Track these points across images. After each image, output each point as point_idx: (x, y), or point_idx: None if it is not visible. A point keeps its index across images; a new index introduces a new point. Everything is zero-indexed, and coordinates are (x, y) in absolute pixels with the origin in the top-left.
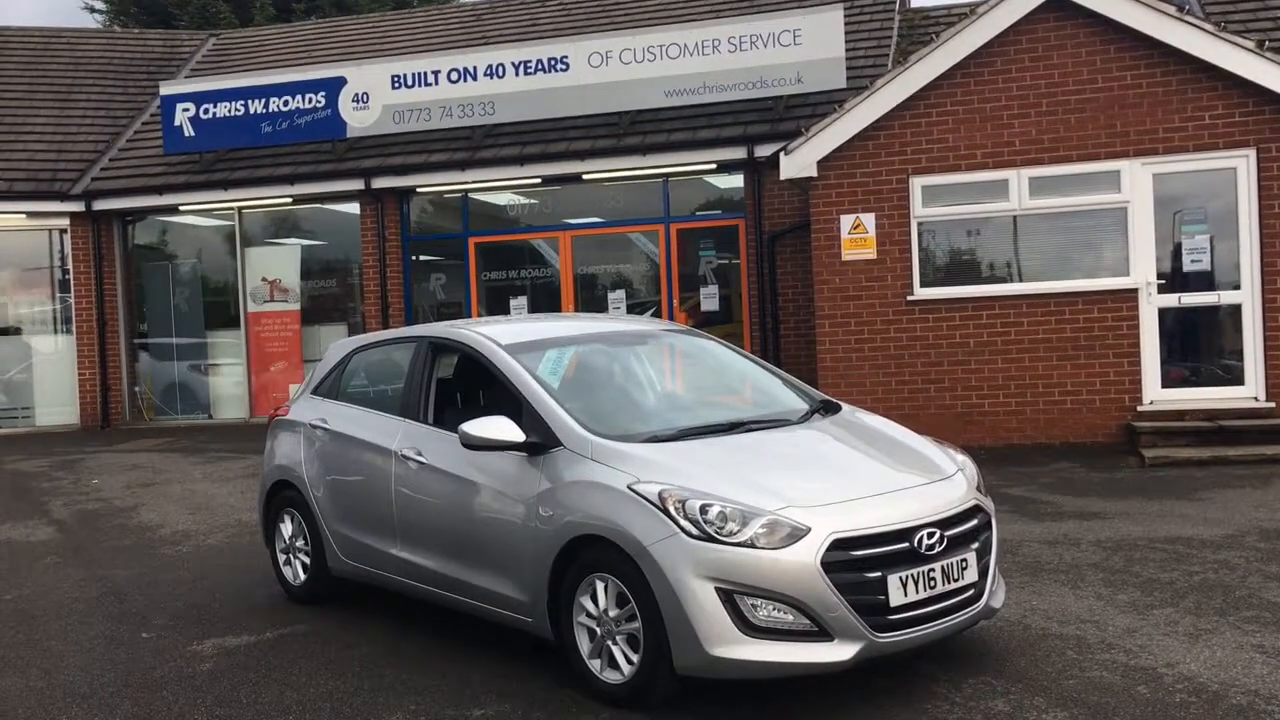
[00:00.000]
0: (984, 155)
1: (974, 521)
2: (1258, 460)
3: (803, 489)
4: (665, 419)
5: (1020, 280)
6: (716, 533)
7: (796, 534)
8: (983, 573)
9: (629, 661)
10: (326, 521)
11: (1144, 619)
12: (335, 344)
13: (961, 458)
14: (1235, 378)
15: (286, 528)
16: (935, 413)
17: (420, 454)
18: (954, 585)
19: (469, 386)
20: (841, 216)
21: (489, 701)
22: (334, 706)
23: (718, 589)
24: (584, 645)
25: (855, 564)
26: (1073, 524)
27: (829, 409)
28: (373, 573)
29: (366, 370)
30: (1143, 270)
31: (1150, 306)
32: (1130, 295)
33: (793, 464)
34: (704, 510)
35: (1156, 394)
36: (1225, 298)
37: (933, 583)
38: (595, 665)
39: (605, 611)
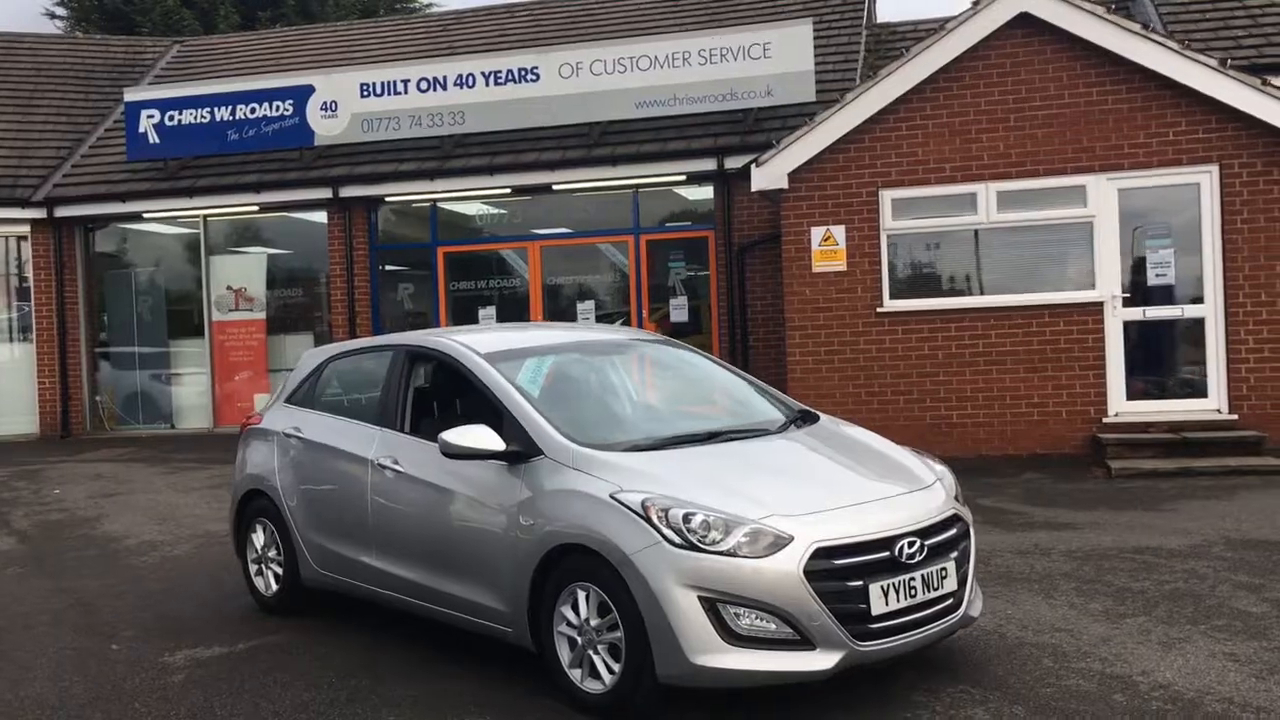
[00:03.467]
0: (953, 169)
1: (953, 531)
2: (1222, 471)
3: (785, 498)
4: (646, 428)
5: (988, 293)
6: (699, 541)
7: (779, 543)
8: (961, 582)
9: (610, 671)
10: (300, 531)
11: (1117, 627)
12: (309, 352)
13: (940, 467)
14: (1199, 390)
15: (259, 537)
16: (905, 423)
17: (397, 463)
18: (934, 594)
19: (446, 395)
20: (812, 228)
21: (468, 713)
22: (310, 719)
23: (700, 598)
24: (565, 655)
25: (837, 573)
26: (1043, 534)
27: (807, 419)
28: (347, 583)
29: (341, 379)
30: (1108, 284)
31: (1115, 320)
32: (1096, 308)
33: (774, 473)
34: (687, 519)
35: (1121, 406)
36: (1189, 311)
37: (913, 592)
38: (576, 675)
39: (586, 621)
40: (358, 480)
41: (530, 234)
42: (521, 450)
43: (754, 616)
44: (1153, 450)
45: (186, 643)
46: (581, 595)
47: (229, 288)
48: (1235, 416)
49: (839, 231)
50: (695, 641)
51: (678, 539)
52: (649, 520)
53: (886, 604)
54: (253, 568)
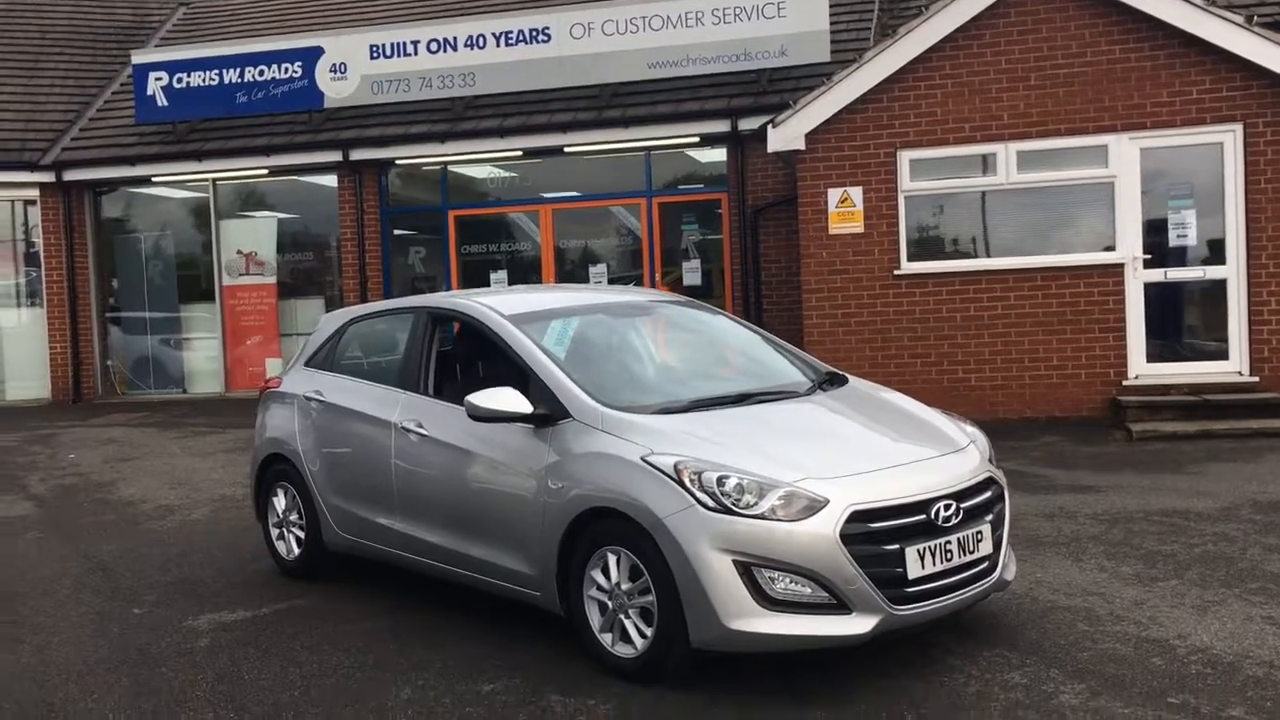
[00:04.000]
0: (972, 129)
1: (988, 494)
2: (1244, 434)
3: (819, 461)
4: (674, 390)
5: (1007, 255)
6: (733, 505)
7: (814, 506)
8: (996, 545)
9: (642, 635)
10: (322, 495)
11: (1150, 591)
12: (329, 315)
13: (972, 429)
14: (1220, 352)
15: (280, 501)
16: (922, 386)
17: (421, 426)
18: (970, 557)
19: (470, 358)
20: (829, 190)
21: (498, 675)
22: (339, 683)
23: (735, 562)
24: (595, 619)
25: (873, 536)
26: (1067, 497)
27: (836, 381)
28: (370, 546)
29: (362, 341)
30: (1129, 245)
31: (1136, 281)
32: (1116, 270)
33: (807, 436)
34: (721, 482)
35: (1142, 368)
36: (1210, 273)
37: (949, 555)
38: (607, 639)
39: (617, 585)
40: (381, 444)
41: (542, 197)
42: (549, 413)
43: (789, 580)
44: (1173, 413)
45: (210, 607)
46: (612, 559)
47: (239, 252)
48: (1257, 379)
49: (856, 193)
50: (730, 606)
51: (711, 502)
52: (682, 483)
53: (923, 568)
54: (274, 532)
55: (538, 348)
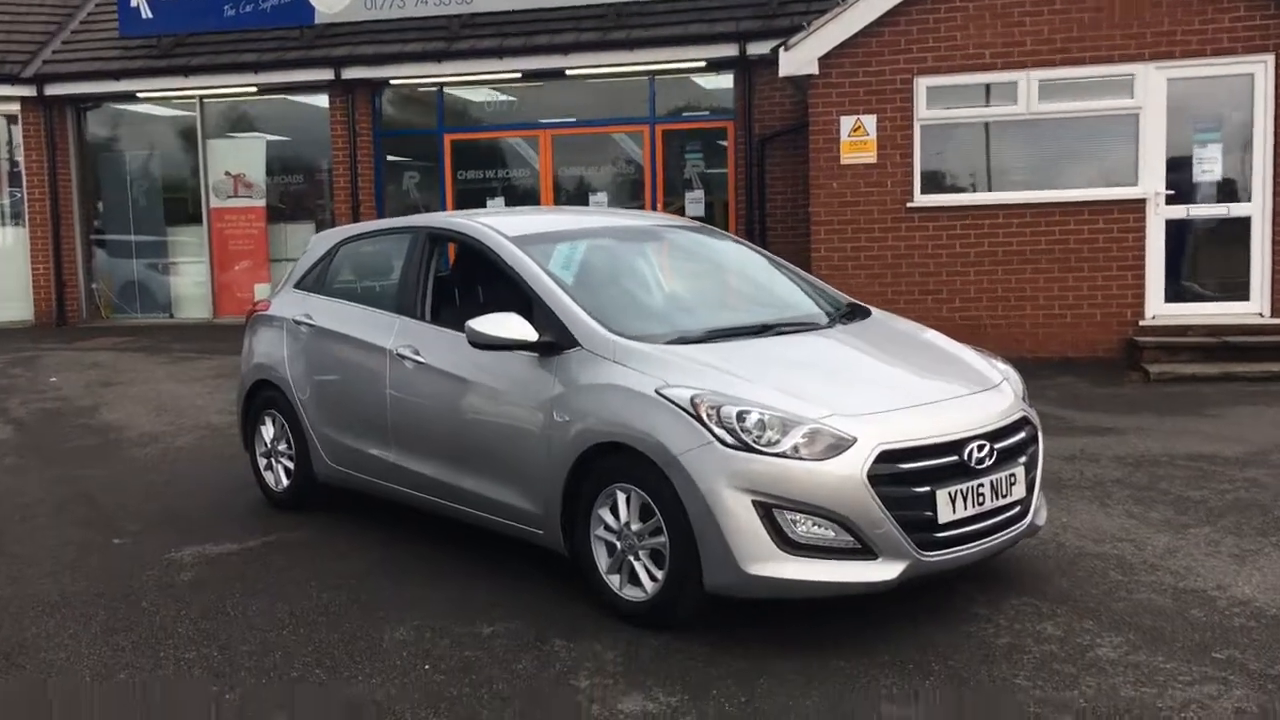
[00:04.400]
0: (993, 55)
1: (1022, 434)
2: (1266, 377)
3: (845, 396)
4: (688, 319)
5: (1025, 189)
6: (754, 442)
7: (841, 444)
8: (1029, 488)
9: (652, 578)
10: (312, 424)
11: (1182, 538)
12: (320, 234)
13: (1004, 366)
14: (1240, 293)
15: (268, 430)
16: (932, 323)
17: (418, 353)
18: (1002, 501)
19: (470, 281)
20: (841, 118)
21: (499, 617)
22: (331, 621)
23: (755, 502)
24: (602, 560)
25: (902, 478)
26: (1087, 439)
27: (858, 313)
28: (363, 479)
29: (355, 263)
30: (1152, 180)
31: (1158, 218)
32: (1138, 206)
33: (831, 370)
34: (741, 417)
35: (1159, 308)
36: (1234, 210)
37: (981, 499)
38: (614, 581)
39: (627, 525)
40: (374, 371)
41: (541, 122)
42: (555, 341)
43: (811, 523)
44: (1192, 354)
45: (194, 538)
46: (621, 497)
47: (227, 173)
48: (1278, 320)
49: (869, 121)
50: (748, 549)
51: (730, 439)
52: (699, 418)
53: (953, 512)
54: (261, 461)
55: (544, 271)
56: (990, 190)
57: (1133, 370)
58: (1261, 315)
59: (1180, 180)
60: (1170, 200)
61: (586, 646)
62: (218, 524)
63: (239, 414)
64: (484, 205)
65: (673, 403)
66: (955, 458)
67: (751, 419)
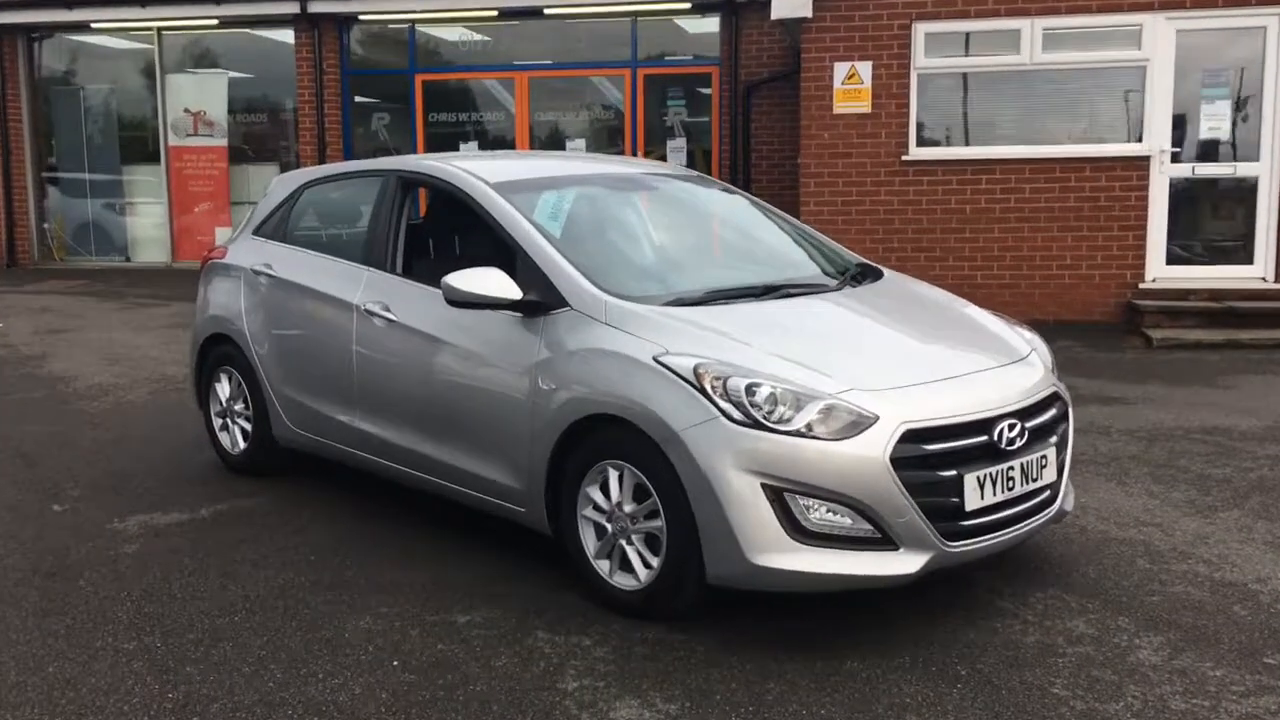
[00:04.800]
0: (996, 1)
1: (1052, 411)
2: (1272, 344)
3: (865, 368)
4: (687, 279)
5: (1024, 143)
6: (764, 418)
7: (861, 422)
8: (1059, 470)
9: (646, 565)
10: (271, 383)
11: (1211, 523)
12: (281, 176)
13: (1030, 335)
14: (1244, 256)
15: (223, 388)
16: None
17: (388, 309)
18: (1032, 486)
19: (446, 232)
20: (835, 64)
21: (476, 604)
22: (289, 606)
23: (764, 485)
24: (590, 544)
25: (927, 460)
26: (1095, 409)
27: (870, 274)
28: (327, 445)
29: (320, 209)
30: (1157, 137)
31: (1162, 176)
32: (1142, 164)
33: (847, 338)
34: (750, 391)
35: (1160, 271)
36: (1241, 170)
37: (1010, 483)
38: (604, 567)
39: (619, 506)
40: (340, 328)
41: (517, 64)
42: (541, 300)
43: (826, 509)
44: (1194, 320)
45: (141, 505)
46: (613, 476)
47: (186, 110)
48: None
49: (864, 69)
50: (756, 538)
51: (738, 414)
52: (703, 390)
53: (981, 498)
54: (216, 421)
55: (529, 222)
56: (989, 144)
57: (1133, 335)
58: (1265, 280)
59: (1185, 137)
60: (1175, 158)
61: (573, 641)
62: (168, 490)
63: (191, 369)
64: (456, 150)
65: (673, 372)
66: (984, 438)
67: (762, 392)
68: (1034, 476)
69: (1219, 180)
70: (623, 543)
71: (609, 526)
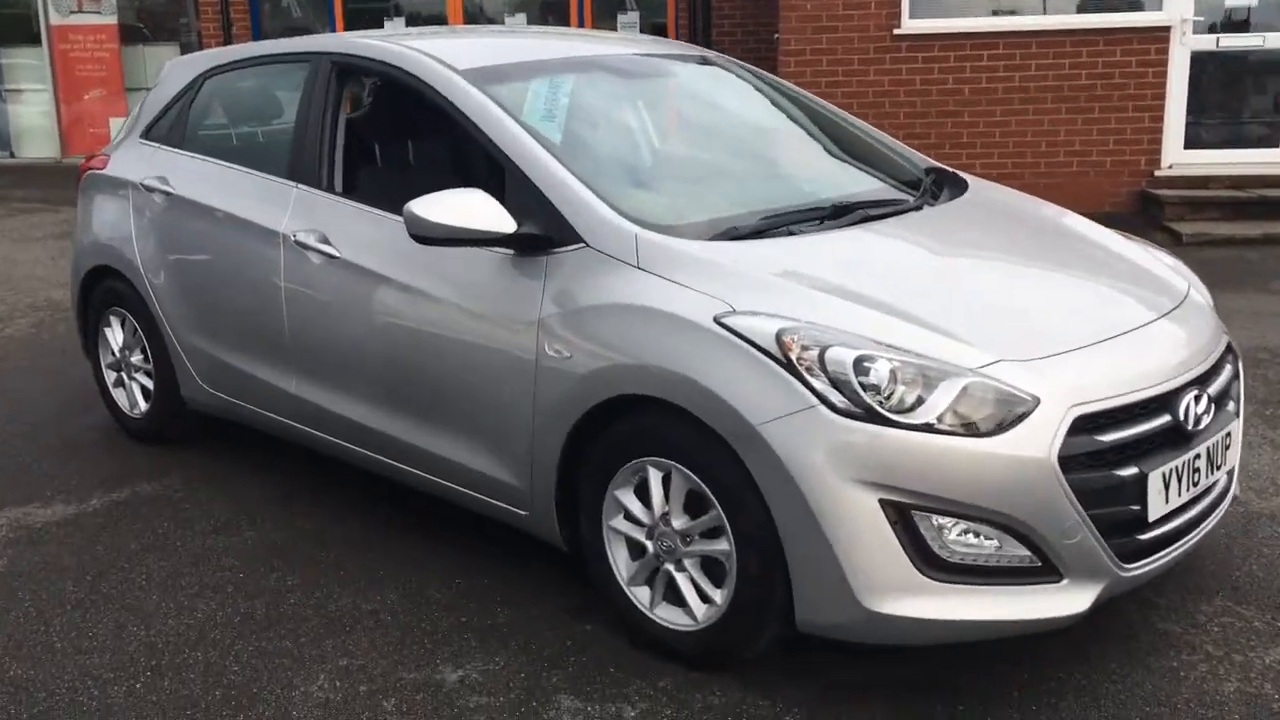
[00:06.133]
0: None
1: (1228, 369)
2: None
3: (1007, 329)
4: (737, 199)
5: (1031, 13)
6: (882, 405)
7: (1017, 408)
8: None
9: (705, 600)
10: (175, 331)
11: None
12: (176, 61)
13: (1172, 260)
14: (1270, 139)
15: (115, 335)
16: None
17: (326, 241)
18: (1214, 477)
19: (400, 137)
20: None
21: (468, 647)
22: (210, 662)
23: (884, 501)
24: (621, 565)
25: (1103, 457)
26: None
27: (950, 181)
28: (254, 413)
29: (229, 104)
30: (1179, 4)
31: (1183, 49)
32: (1161, 35)
33: (964, 282)
34: (861, 366)
35: (1177, 156)
36: (1271, 40)
37: (1196, 476)
38: (641, 596)
39: (664, 519)
40: (264, 263)
41: None
42: (543, 233)
43: (963, 529)
44: (1220, 211)
45: (13, 494)
46: (655, 478)
47: None
48: None
49: None
50: (875, 576)
51: (843, 401)
52: (791, 366)
53: (1166, 501)
54: (109, 375)
55: (519, 125)
56: (992, 15)
57: (1155, 230)
58: None
59: (1207, 6)
60: (1196, 28)
61: (610, 712)
62: (48, 468)
63: (74, 309)
64: (380, 28)
65: (745, 340)
66: (1168, 419)
67: (879, 369)
68: (1219, 463)
69: (1246, 54)
70: (670, 567)
71: (649, 545)
